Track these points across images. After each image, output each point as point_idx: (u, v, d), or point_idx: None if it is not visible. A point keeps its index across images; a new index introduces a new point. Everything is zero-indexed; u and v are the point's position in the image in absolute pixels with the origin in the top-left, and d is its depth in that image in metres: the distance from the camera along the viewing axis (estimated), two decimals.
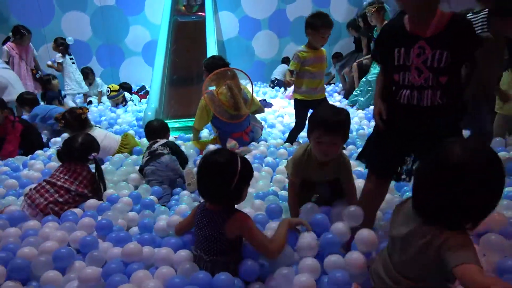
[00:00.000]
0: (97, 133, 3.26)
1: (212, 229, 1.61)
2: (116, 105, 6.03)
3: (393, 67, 1.63)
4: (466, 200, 1.10)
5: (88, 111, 3.54)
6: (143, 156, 2.93)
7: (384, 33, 1.74)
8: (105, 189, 2.57)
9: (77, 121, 3.38)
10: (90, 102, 6.45)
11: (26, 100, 4.66)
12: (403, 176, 1.79)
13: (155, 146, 2.89)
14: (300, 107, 3.49)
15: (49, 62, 6.07)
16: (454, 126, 1.68)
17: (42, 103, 5.05)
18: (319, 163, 1.94)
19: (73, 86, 6.04)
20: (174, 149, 2.93)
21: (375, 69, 5.01)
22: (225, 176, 1.60)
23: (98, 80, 6.78)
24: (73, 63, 6.14)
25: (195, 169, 2.74)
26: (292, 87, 5.59)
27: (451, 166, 1.10)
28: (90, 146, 2.63)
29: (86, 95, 6.57)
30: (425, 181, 1.19)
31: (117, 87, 6.10)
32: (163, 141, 2.98)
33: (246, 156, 3.14)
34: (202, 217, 1.67)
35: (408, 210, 1.30)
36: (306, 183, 2.07)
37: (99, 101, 6.42)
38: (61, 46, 5.98)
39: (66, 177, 2.42)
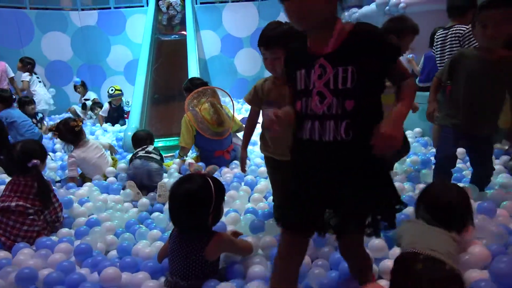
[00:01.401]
0: (94, 149, 3.27)
1: (190, 254, 1.57)
2: (115, 106, 6.01)
3: (296, 93, 1.33)
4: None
5: (82, 123, 3.37)
6: (132, 159, 3.16)
7: (288, 54, 1.44)
8: (46, 207, 2.26)
9: (71, 133, 3.21)
10: (87, 99, 6.56)
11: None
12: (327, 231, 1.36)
13: (150, 149, 3.19)
14: None
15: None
16: (374, 168, 1.27)
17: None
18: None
19: (42, 105, 5.91)
20: (159, 154, 3.29)
21: None
22: (202, 204, 1.58)
23: (90, 93, 6.76)
24: (40, 81, 6.17)
25: (167, 181, 2.85)
26: None
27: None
28: (30, 153, 2.30)
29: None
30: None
31: (119, 87, 6.12)
32: (152, 146, 3.29)
33: (230, 172, 3.20)
34: (176, 243, 1.63)
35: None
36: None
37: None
38: (29, 65, 5.95)
39: (18, 194, 2.18)
